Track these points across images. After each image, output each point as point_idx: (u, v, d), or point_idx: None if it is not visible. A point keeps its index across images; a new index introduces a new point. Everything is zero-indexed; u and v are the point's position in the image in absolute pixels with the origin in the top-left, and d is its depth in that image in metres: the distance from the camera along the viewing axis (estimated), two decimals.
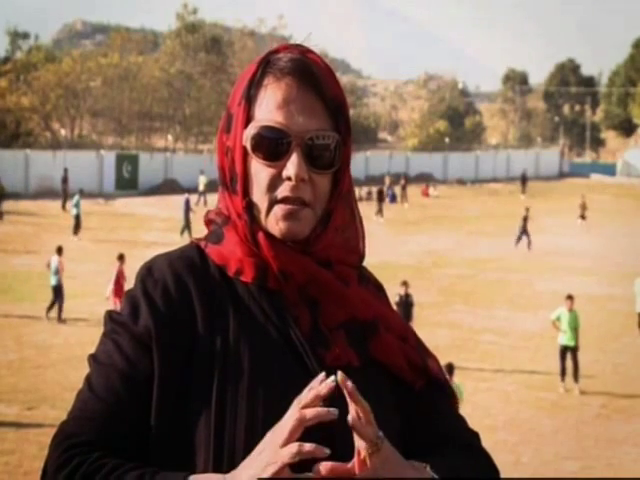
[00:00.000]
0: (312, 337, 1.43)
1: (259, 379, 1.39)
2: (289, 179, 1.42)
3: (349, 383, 1.26)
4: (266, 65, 1.46)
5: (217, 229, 1.51)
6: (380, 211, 37.89)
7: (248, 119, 1.45)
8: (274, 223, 1.43)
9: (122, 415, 1.39)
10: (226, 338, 1.42)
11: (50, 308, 17.40)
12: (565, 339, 14.49)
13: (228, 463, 1.35)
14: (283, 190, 1.42)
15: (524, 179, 54.53)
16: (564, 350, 14.43)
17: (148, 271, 1.47)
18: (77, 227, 29.60)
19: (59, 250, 18.11)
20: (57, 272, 17.59)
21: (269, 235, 1.44)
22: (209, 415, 1.37)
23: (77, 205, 29.77)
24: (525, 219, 30.31)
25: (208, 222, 1.54)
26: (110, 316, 1.48)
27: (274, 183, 1.43)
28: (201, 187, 42.12)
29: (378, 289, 1.58)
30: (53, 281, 17.57)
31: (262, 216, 1.45)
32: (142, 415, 1.39)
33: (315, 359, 1.42)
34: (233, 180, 1.48)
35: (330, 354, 1.43)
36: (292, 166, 1.41)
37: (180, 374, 1.40)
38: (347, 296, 1.48)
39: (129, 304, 1.46)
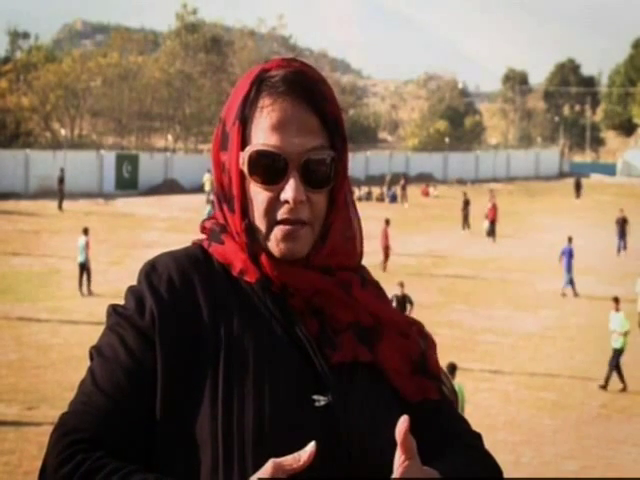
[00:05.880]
0: (319, 338, 1.44)
1: (265, 376, 1.38)
2: (287, 202, 1.42)
3: (404, 427, 1.23)
4: (260, 84, 1.45)
5: (216, 234, 1.51)
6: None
7: (243, 140, 1.45)
8: (274, 244, 1.43)
9: (126, 412, 1.38)
10: (231, 334, 1.41)
11: (80, 284, 20.03)
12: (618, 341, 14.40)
13: (239, 460, 1.35)
14: (282, 213, 1.42)
15: (578, 184, 52.15)
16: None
17: (152, 267, 1.47)
18: None
19: (85, 231, 20.60)
20: (84, 250, 20.15)
21: (270, 254, 1.44)
22: (216, 411, 1.37)
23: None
24: None
25: (204, 229, 1.54)
26: (114, 309, 1.46)
27: (272, 205, 1.43)
28: (207, 187, 41.71)
29: (377, 288, 1.58)
30: (80, 258, 20.18)
31: (262, 237, 1.45)
32: (147, 411, 1.38)
33: (322, 356, 1.42)
34: (230, 201, 1.47)
35: (337, 352, 1.44)
36: (290, 189, 1.41)
37: (184, 368, 1.39)
38: (350, 303, 1.48)
39: (134, 298, 1.45)
